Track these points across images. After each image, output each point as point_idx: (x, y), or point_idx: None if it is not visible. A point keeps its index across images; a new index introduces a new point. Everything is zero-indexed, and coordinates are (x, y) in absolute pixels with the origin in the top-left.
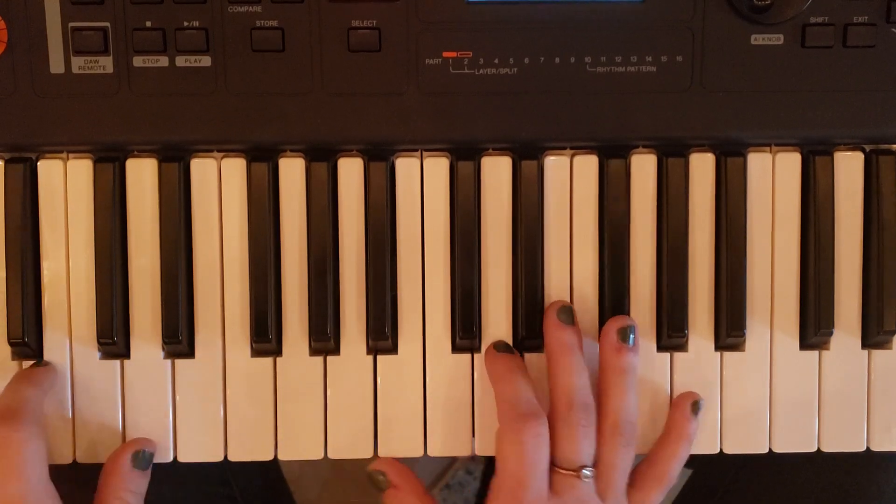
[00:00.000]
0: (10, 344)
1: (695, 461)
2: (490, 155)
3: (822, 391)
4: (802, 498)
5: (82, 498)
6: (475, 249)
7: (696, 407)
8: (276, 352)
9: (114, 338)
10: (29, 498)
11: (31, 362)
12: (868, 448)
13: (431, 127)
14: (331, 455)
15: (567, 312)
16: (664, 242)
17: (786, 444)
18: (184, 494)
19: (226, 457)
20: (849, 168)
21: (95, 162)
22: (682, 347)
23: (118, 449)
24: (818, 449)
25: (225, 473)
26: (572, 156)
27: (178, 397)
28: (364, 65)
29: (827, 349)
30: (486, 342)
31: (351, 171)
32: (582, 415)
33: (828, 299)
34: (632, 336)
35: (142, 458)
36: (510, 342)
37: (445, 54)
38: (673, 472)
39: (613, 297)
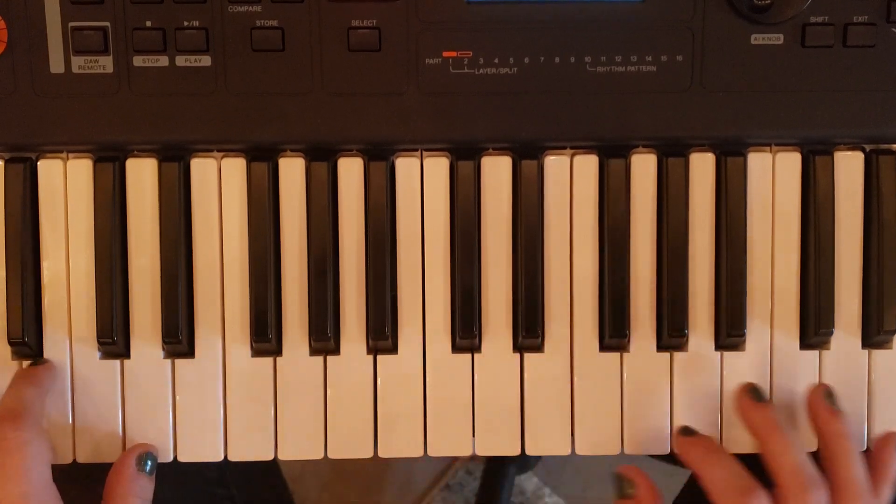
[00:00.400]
0: (10, 344)
1: None
2: (490, 155)
3: None
4: None
5: (86, 498)
6: (475, 249)
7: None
8: (276, 352)
9: (114, 337)
10: (31, 499)
11: (31, 362)
12: (868, 448)
13: (431, 127)
14: (331, 455)
15: (756, 390)
16: (664, 242)
17: None
18: (182, 495)
19: (226, 457)
20: (849, 168)
21: (95, 162)
22: (681, 347)
23: (122, 454)
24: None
25: (223, 474)
26: (572, 155)
27: (178, 397)
28: (364, 65)
29: (827, 349)
30: (487, 342)
31: (351, 170)
32: (817, 493)
33: (828, 299)
34: (835, 398)
35: (146, 462)
36: (510, 342)
37: (445, 54)
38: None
39: (613, 296)
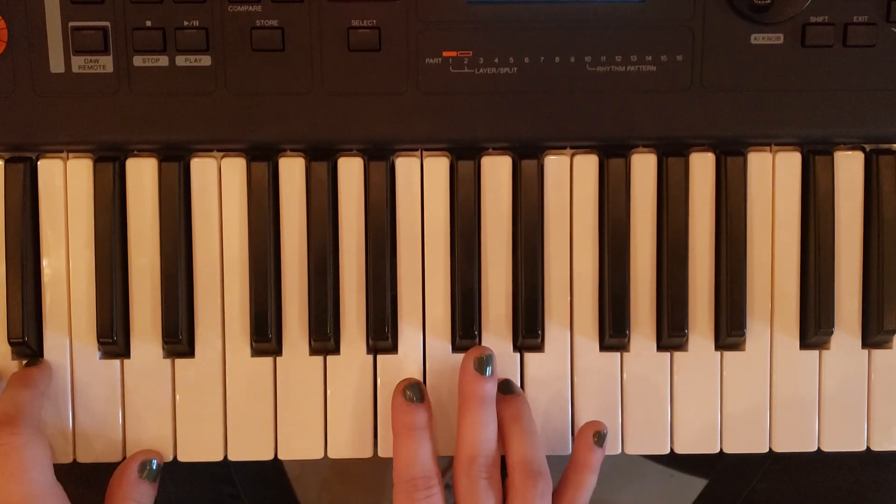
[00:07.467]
0: (10, 343)
1: (710, 471)
2: (490, 154)
3: (822, 391)
4: None
5: (87, 498)
6: (475, 249)
7: (598, 437)
8: (276, 352)
9: (114, 337)
10: (34, 499)
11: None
12: (868, 448)
13: (431, 126)
14: (331, 455)
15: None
16: (664, 242)
17: (786, 444)
18: (188, 492)
19: (226, 456)
20: (849, 168)
21: (95, 161)
22: (682, 347)
23: (126, 460)
24: (819, 449)
25: (229, 472)
26: (572, 155)
27: (178, 397)
28: (364, 64)
29: (827, 349)
30: (486, 342)
31: (351, 170)
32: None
33: (828, 299)
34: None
35: (149, 469)
36: (510, 342)
37: (445, 54)
38: (581, 501)
39: (613, 296)
